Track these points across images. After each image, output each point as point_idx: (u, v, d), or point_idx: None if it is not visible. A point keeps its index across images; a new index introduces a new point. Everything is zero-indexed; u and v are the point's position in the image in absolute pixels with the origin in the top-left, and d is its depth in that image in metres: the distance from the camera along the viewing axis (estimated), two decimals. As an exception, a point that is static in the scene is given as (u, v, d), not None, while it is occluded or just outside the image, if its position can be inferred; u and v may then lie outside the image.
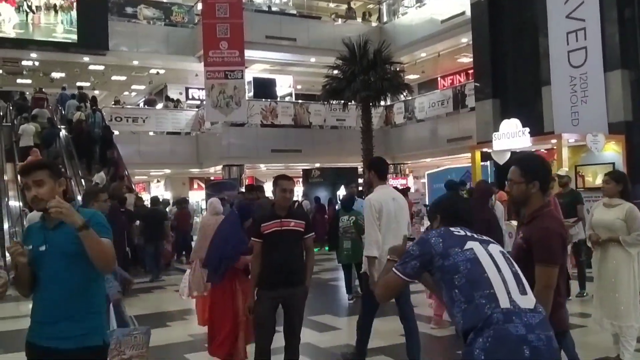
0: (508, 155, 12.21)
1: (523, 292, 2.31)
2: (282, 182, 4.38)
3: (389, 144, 22.71)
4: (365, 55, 18.37)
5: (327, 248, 12.49)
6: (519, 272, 2.39)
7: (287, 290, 4.30)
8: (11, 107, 19.40)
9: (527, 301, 2.28)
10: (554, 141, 11.84)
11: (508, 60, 15.86)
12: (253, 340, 4.55)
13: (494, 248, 2.43)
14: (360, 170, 19.26)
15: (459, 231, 2.47)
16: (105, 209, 5.13)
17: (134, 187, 15.92)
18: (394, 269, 2.47)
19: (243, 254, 4.87)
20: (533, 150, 11.81)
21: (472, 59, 18.02)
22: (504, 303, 2.22)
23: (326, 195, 18.64)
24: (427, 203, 16.90)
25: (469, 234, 2.48)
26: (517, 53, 15.60)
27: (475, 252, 2.36)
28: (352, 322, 7.16)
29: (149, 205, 13.52)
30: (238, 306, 4.95)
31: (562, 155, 11.16)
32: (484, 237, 2.51)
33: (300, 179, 21.34)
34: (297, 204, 13.56)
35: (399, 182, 22.07)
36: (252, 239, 4.44)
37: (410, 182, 23.47)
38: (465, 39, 19.50)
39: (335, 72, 18.82)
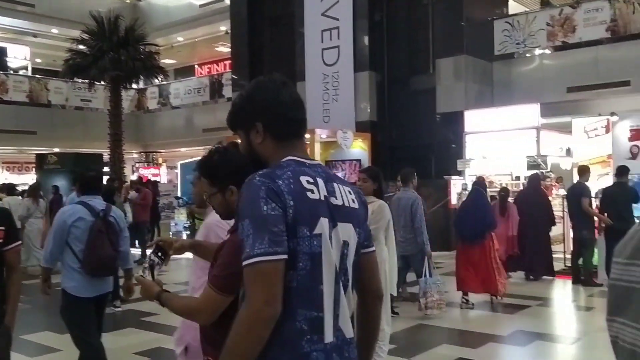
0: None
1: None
2: None
3: (140, 130, 21.29)
4: (115, 32, 16.90)
5: None
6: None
7: None
8: None
9: (350, 327, 1.57)
10: (307, 136, 11.97)
11: (266, 53, 15.76)
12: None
13: (348, 229, 1.55)
14: (106, 157, 17.55)
15: (313, 187, 1.50)
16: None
17: None
18: (251, 257, 1.40)
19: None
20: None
21: (230, 49, 17.66)
22: (329, 335, 1.49)
23: (65, 184, 16.54)
24: (179, 195, 16.08)
25: (329, 188, 1.53)
26: (275, 46, 15.59)
27: (322, 243, 1.48)
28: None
29: None
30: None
31: (314, 150, 11.32)
32: (342, 201, 1.56)
33: (34, 166, 18.72)
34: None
35: (151, 172, 20.81)
36: None
37: (163, 172, 22.30)
38: (224, 27, 19.12)
39: (81, 47, 16.89)
